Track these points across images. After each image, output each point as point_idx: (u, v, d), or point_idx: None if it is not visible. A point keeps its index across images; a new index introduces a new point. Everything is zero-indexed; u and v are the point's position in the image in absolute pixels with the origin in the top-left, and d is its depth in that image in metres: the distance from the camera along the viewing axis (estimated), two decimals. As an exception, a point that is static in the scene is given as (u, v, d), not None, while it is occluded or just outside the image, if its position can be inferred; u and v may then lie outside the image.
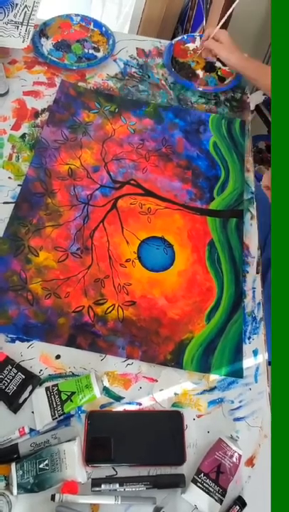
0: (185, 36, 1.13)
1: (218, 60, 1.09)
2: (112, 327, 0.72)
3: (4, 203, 0.82)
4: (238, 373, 0.71)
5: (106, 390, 0.67)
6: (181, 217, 0.86)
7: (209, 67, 1.08)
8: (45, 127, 0.91)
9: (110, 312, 0.74)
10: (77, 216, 0.83)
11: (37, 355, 0.69)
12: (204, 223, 0.86)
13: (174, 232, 0.84)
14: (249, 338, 0.75)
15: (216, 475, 0.61)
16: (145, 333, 0.73)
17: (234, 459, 0.62)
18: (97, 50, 1.06)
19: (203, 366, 0.71)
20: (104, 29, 1.08)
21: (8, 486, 0.57)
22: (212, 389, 0.70)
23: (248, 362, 0.73)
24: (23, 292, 0.73)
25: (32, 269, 0.76)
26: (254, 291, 0.80)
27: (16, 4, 0.97)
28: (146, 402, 0.67)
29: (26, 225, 0.80)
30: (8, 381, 0.64)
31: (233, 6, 0.96)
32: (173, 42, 1.11)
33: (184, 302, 0.77)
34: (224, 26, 1.02)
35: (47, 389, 0.64)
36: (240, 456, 0.63)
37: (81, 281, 0.76)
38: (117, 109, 0.98)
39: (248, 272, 0.82)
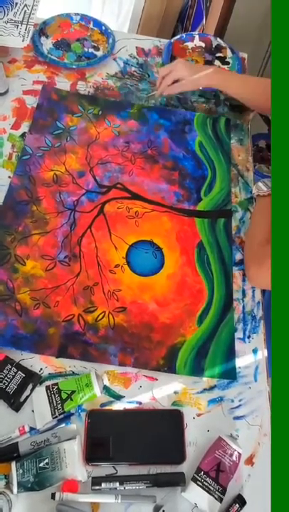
0: (184, 35, 1.12)
1: (217, 58, 1.09)
2: (104, 335, 0.71)
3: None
4: (231, 375, 0.71)
5: (106, 389, 0.68)
6: (169, 220, 0.84)
7: (209, 67, 1.08)
8: (28, 135, 0.89)
9: (101, 319, 0.73)
10: (64, 223, 0.81)
11: (37, 354, 0.69)
12: (192, 225, 0.84)
13: (162, 235, 0.82)
14: (249, 337, 0.75)
15: (215, 473, 0.61)
16: (137, 340, 0.72)
17: (234, 458, 0.62)
18: (97, 49, 1.06)
19: (197, 369, 0.70)
20: (103, 28, 1.08)
21: (8, 484, 0.58)
22: (212, 388, 0.70)
23: (248, 361, 0.73)
24: (10, 302, 0.72)
25: (19, 279, 0.74)
26: (253, 291, 0.80)
27: (16, 3, 0.97)
28: (146, 401, 0.68)
29: (12, 234, 0.78)
30: (9, 380, 0.64)
31: None
32: (172, 41, 1.11)
33: (174, 306, 0.76)
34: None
35: (47, 388, 0.65)
36: (240, 454, 0.63)
37: (70, 289, 0.74)
38: (100, 112, 0.96)
39: (247, 271, 0.82)
